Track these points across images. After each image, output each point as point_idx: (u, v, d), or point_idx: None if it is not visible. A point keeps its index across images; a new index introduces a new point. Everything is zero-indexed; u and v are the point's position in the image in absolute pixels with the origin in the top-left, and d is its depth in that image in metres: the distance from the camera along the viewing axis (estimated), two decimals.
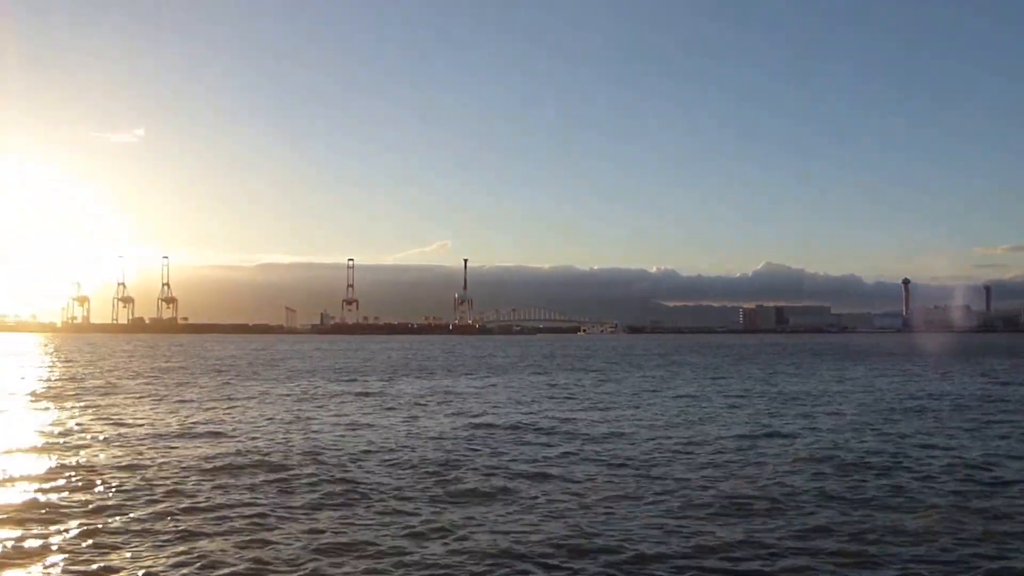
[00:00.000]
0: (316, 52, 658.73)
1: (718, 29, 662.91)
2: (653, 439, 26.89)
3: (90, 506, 17.00)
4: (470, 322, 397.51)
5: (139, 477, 20.14)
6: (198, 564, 13.32)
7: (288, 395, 44.30)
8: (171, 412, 35.19)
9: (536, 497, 17.99)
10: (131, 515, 16.28)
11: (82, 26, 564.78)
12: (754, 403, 39.55)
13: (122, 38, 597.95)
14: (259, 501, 17.56)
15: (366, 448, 24.90)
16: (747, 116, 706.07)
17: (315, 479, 19.92)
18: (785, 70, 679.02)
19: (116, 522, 15.73)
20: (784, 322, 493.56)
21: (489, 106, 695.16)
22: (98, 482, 19.40)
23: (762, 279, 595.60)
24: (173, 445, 25.43)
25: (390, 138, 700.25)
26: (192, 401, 40.37)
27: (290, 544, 14.39)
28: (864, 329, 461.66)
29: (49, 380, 56.81)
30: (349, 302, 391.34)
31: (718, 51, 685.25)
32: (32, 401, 40.41)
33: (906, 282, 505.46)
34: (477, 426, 30.46)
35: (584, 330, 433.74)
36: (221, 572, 12.98)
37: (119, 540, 14.59)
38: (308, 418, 33.21)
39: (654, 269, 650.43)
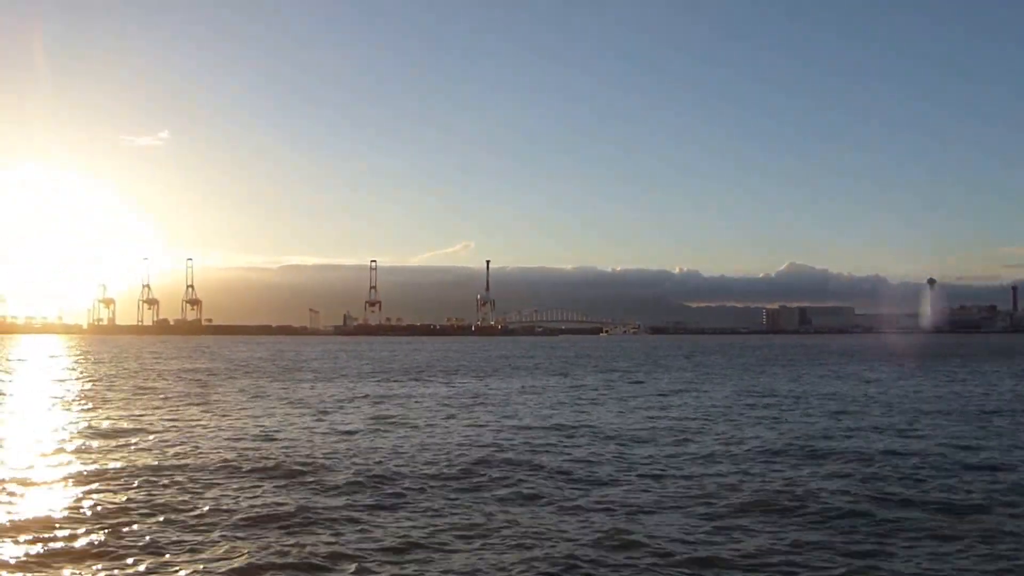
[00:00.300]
0: (340, 56, 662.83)
1: (743, 28, 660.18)
2: (701, 440, 26.71)
3: (150, 506, 17.05)
4: (492, 323, 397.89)
5: (200, 478, 20.20)
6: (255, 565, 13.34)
7: (325, 397, 44.35)
8: (223, 414, 35.32)
9: (583, 498, 17.89)
10: (190, 517, 16.32)
11: (107, 31, 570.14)
12: (786, 404, 39.24)
13: (146, 43, 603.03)
14: (313, 503, 17.52)
15: (417, 450, 24.78)
16: (771, 116, 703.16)
17: (373, 481, 19.81)
18: (811, 69, 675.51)
19: (174, 522, 15.79)
20: (807, 323, 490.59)
21: (512, 108, 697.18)
22: (159, 483, 19.48)
23: (785, 279, 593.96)
24: (224, 447, 25.49)
25: (414, 141, 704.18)
26: (233, 403, 40.51)
27: (362, 545, 14.38)
28: (889, 330, 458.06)
29: (83, 382, 57.20)
30: (372, 303, 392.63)
31: (743, 50, 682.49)
32: (72, 403, 40.66)
33: (931, 282, 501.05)
34: (524, 428, 30.30)
35: (607, 331, 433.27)
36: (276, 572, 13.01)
37: (174, 541, 14.63)
38: (349, 419, 33.24)
39: (677, 270, 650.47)
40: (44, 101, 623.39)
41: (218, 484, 19.48)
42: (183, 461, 22.57)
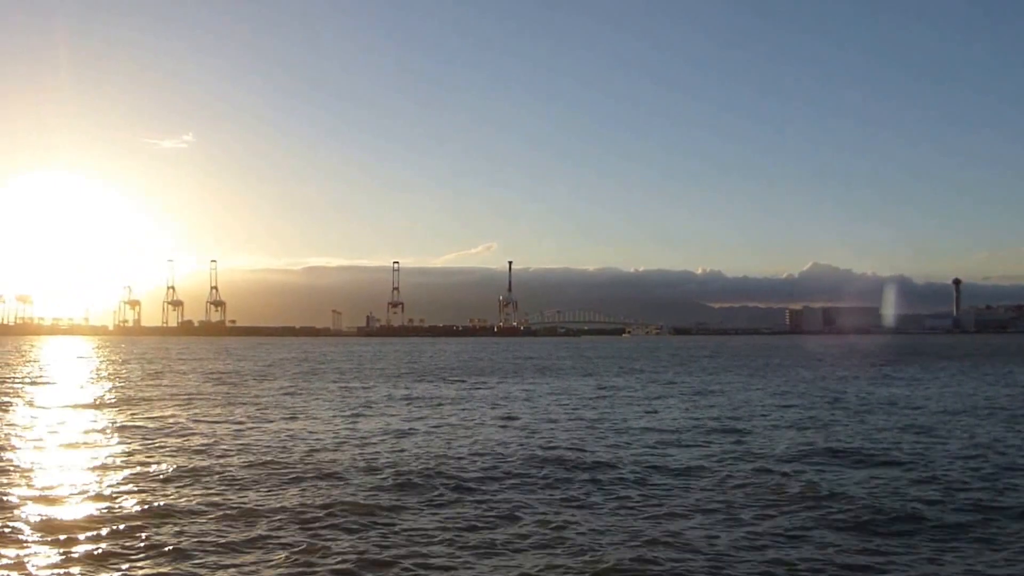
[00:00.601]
0: (364, 59, 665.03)
1: (764, 28, 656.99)
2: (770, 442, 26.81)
3: (219, 509, 17.37)
4: (515, 324, 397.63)
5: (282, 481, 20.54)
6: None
7: (362, 397, 44.64)
8: (290, 416, 35.68)
9: (644, 499, 18.08)
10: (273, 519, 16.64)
11: (131, 36, 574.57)
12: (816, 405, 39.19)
13: (171, 46, 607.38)
14: (377, 502, 17.81)
15: (479, 450, 25.06)
16: (796, 116, 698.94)
17: (442, 481, 20.01)
18: (833, 69, 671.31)
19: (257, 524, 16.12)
20: (831, 323, 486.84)
21: (535, 110, 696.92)
22: (203, 482, 19.81)
23: (809, 280, 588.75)
24: (285, 449, 25.83)
25: (437, 143, 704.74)
26: (287, 403, 40.90)
27: (445, 547, 14.62)
28: (913, 330, 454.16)
29: (114, 383, 57.78)
30: (394, 305, 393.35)
31: (763, 51, 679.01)
32: (106, 406, 41.13)
33: (957, 282, 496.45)
34: (576, 428, 30.51)
35: (629, 332, 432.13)
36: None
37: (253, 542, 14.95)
38: (398, 420, 33.47)
39: (700, 270, 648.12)
40: (70, 105, 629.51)
41: (297, 484, 19.77)
42: (228, 461, 22.88)
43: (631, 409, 38.20)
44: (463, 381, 59.72)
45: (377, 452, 24.76)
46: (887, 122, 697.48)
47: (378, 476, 20.81)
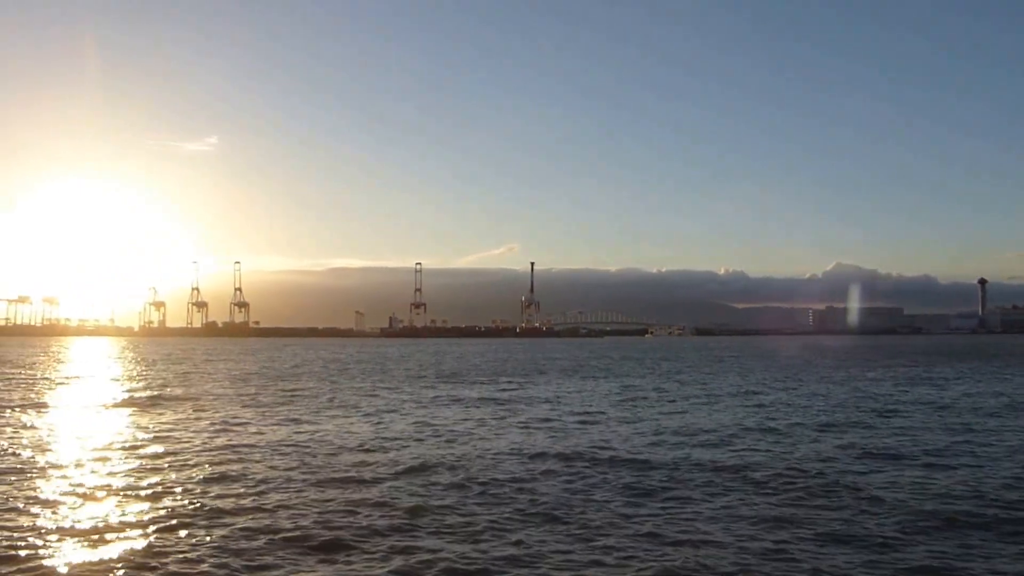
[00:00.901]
0: (386, 62, 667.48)
1: (780, 30, 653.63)
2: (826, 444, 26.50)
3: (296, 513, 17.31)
4: (537, 325, 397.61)
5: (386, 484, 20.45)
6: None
7: (412, 400, 44.60)
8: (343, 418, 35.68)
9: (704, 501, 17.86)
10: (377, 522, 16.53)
11: (156, 39, 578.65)
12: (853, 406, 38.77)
13: (195, 50, 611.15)
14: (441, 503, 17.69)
15: (539, 451, 24.86)
16: (819, 116, 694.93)
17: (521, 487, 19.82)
18: (858, 68, 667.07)
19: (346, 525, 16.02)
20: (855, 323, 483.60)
21: (557, 112, 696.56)
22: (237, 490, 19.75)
23: (833, 280, 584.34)
24: (340, 452, 25.77)
25: (459, 145, 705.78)
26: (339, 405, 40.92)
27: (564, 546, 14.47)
28: (939, 331, 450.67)
29: (147, 383, 58.05)
30: (417, 305, 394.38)
31: (790, 49, 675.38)
32: (149, 407, 41.27)
33: (982, 282, 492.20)
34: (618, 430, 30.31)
35: (651, 332, 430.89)
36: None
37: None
38: (444, 421, 33.39)
39: (722, 271, 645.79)
40: (97, 110, 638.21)
41: (350, 484, 19.71)
42: (256, 465, 22.87)
43: (681, 410, 37.92)
44: (504, 382, 59.51)
45: (435, 453, 24.62)
46: (913, 122, 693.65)
47: (441, 476, 20.71)
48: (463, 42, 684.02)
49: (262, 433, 29.10)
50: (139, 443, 26.43)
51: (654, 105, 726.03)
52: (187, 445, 25.97)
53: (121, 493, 18.50)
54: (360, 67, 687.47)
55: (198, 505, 17.26)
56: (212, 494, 18.41)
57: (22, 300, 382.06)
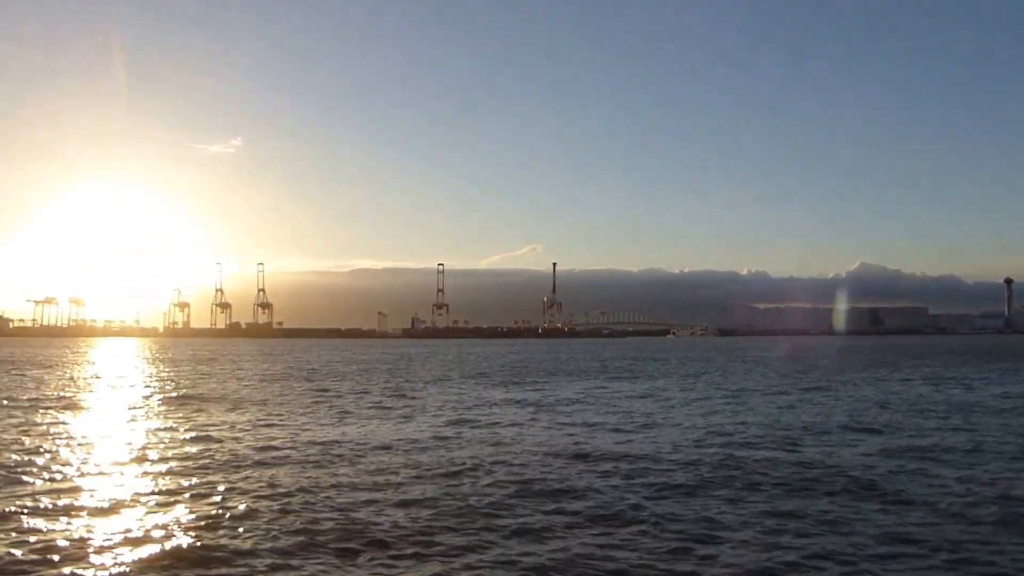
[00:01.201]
0: (406, 62, 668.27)
1: (804, 28, 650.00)
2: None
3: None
4: (559, 325, 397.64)
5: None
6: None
7: (444, 400, 44.51)
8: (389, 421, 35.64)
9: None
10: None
11: (179, 43, 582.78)
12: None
13: (218, 53, 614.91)
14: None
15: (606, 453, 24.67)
16: (842, 114, 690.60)
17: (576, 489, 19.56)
18: (880, 66, 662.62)
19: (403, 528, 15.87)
20: (879, 323, 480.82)
21: (578, 112, 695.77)
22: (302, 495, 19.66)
23: (856, 280, 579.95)
24: (385, 453, 25.66)
25: (480, 145, 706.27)
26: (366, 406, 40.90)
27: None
28: (964, 331, 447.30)
29: (177, 383, 58.29)
30: (439, 306, 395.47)
31: (809, 49, 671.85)
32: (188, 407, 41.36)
33: (1008, 282, 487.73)
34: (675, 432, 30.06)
35: (674, 333, 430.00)
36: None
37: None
38: (499, 421, 33.26)
39: (744, 271, 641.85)
40: (123, 113, 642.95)
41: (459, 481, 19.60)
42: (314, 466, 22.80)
43: (714, 410, 37.58)
44: (534, 383, 59.31)
45: (478, 453, 24.45)
46: (937, 120, 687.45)
47: (491, 476, 20.55)
48: (487, 44, 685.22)
49: (299, 433, 29.03)
50: (178, 443, 26.40)
51: (677, 105, 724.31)
52: (226, 445, 25.92)
53: (168, 494, 18.46)
54: (383, 70, 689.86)
55: (243, 506, 17.17)
56: (254, 495, 18.30)
57: (49, 301, 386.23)
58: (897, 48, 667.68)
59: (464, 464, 22.27)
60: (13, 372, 72.43)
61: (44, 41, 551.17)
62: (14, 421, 32.48)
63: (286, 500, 17.70)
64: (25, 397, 44.45)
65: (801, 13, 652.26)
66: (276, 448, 25.26)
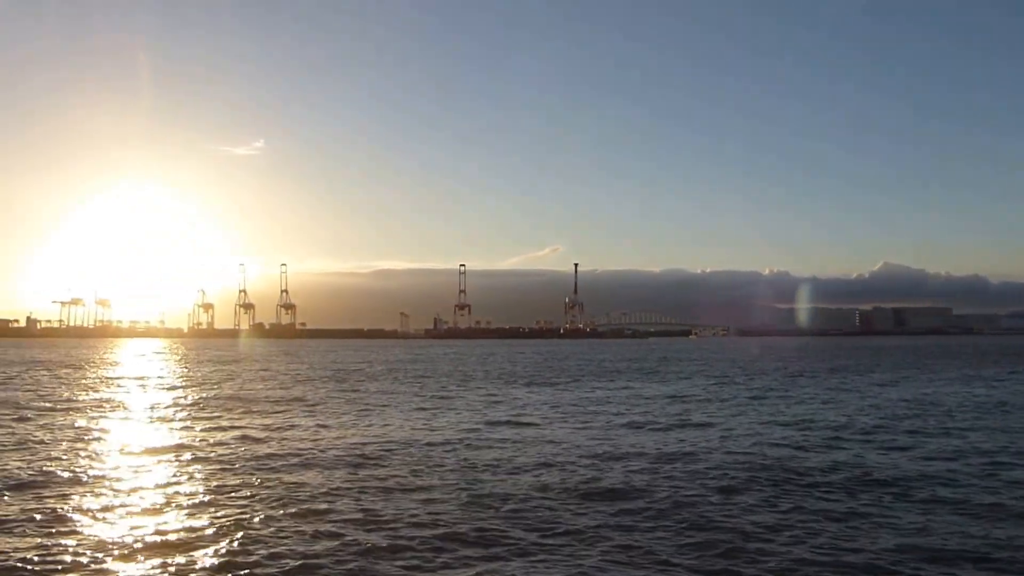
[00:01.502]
0: (430, 62, 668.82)
1: (827, 28, 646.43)
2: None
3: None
4: (581, 326, 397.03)
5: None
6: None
7: (474, 400, 44.66)
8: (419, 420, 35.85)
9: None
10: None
11: (203, 45, 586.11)
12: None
13: (242, 55, 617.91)
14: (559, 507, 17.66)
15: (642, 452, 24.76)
16: (863, 112, 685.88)
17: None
18: (909, 64, 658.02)
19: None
20: (903, 324, 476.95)
21: (601, 112, 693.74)
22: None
23: (880, 280, 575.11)
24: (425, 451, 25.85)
25: (501, 146, 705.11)
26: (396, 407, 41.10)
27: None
28: (990, 331, 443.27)
29: (202, 383, 58.69)
30: (461, 307, 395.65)
31: (834, 47, 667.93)
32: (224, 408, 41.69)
33: None
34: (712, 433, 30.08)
35: (695, 333, 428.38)
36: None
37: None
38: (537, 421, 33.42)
39: (767, 271, 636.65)
40: (148, 115, 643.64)
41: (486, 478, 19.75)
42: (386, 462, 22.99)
43: (748, 410, 37.55)
44: (563, 384, 59.35)
45: (523, 453, 24.58)
46: (960, 117, 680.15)
47: (541, 478, 20.62)
48: (507, 45, 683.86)
49: (328, 433, 29.28)
50: (217, 444, 26.71)
51: (698, 105, 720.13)
52: (266, 445, 26.19)
53: (202, 495, 18.69)
54: (404, 71, 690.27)
55: (280, 509, 17.36)
56: (289, 496, 18.52)
57: (75, 302, 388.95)
58: (924, 44, 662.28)
59: (510, 463, 22.48)
60: (43, 372, 73.39)
61: (70, 47, 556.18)
62: (51, 422, 32.94)
63: (333, 499, 17.95)
64: (61, 397, 45.04)
65: (838, 4, 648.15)
66: (315, 450, 25.49)
